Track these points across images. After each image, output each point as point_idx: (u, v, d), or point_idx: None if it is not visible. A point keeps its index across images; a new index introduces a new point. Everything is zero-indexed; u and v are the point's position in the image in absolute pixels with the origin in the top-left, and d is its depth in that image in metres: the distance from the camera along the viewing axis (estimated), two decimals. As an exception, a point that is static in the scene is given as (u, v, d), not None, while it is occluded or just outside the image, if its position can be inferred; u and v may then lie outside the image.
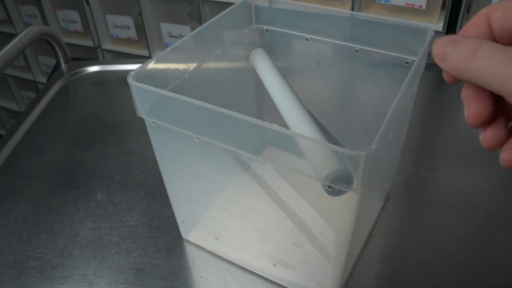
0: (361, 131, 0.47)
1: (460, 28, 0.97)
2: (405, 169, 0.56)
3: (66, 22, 1.45)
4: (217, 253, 0.46)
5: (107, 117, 0.69)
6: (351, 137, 0.42)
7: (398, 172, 0.55)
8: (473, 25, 0.25)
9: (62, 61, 0.82)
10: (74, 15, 1.42)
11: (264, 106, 0.54)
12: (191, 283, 0.44)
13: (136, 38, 1.39)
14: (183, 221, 0.47)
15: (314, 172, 0.30)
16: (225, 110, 0.30)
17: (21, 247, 0.48)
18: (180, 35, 1.31)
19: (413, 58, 0.41)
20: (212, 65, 0.45)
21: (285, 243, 0.41)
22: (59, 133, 0.66)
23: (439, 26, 0.99)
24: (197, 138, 0.35)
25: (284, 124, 0.40)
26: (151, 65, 0.37)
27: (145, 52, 1.39)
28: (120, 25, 1.38)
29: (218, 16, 0.44)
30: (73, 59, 0.84)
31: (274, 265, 0.42)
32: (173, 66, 0.40)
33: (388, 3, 1.02)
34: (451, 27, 0.98)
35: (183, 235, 0.48)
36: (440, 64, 0.25)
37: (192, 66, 0.42)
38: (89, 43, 1.45)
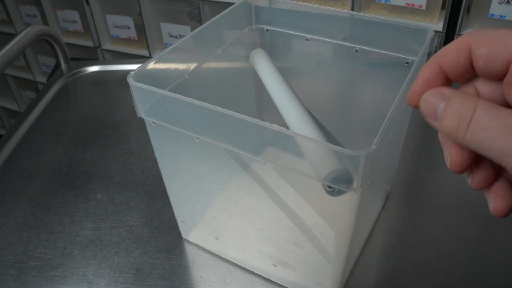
0: (361, 131, 0.47)
1: (460, 29, 0.97)
2: (405, 169, 0.56)
3: (66, 22, 1.45)
4: (217, 253, 0.46)
5: (107, 117, 0.69)
6: (351, 137, 0.42)
7: (398, 172, 0.55)
8: (453, 50, 0.23)
9: (62, 61, 0.82)
10: (74, 15, 1.42)
11: (264, 106, 0.54)
12: (191, 283, 0.44)
13: (136, 38, 1.39)
14: (183, 221, 0.47)
15: (314, 172, 0.30)
16: (225, 110, 0.30)
17: (21, 247, 0.48)
18: (180, 35, 1.31)
19: (413, 58, 0.41)
20: (212, 65, 0.45)
21: (285, 243, 0.41)
22: (59, 133, 0.66)
23: (439, 26, 0.99)
24: (197, 138, 0.35)
25: (284, 124, 0.40)
26: (151, 65, 0.37)
27: (145, 52, 1.39)
28: (120, 25, 1.38)
29: (218, 16, 0.44)
30: (73, 59, 0.84)
31: (274, 265, 0.42)
32: (173, 66, 0.40)
33: (388, 3, 1.02)
34: (451, 27, 0.98)
35: (183, 235, 0.48)
36: (432, 124, 0.23)
37: (192, 66, 0.42)
38: (89, 43, 1.45)
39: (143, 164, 0.59)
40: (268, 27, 0.48)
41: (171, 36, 1.33)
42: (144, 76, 0.36)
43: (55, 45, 0.80)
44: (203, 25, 0.42)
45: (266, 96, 0.45)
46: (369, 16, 0.42)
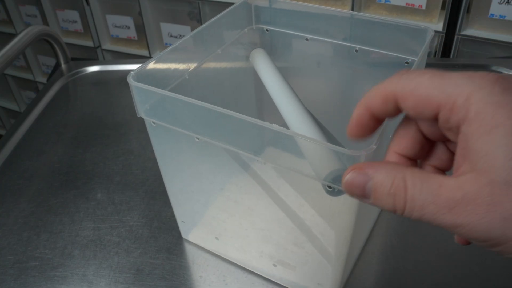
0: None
1: (460, 29, 0.97)
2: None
3: (66, 22, 1.45)
4: (217, 253, 0.46)
5: (107, 117, 0.69)
6: (351, 137, 0.42)
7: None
8: (380, 99, 0.23)
9: (62, 61, 0.82)
10: (74, 15, 1.42)
11: (264, 106, 0.54)
12: (191, 283, 0.44)
13: (136, 38, 1.39)
14: (183, 221, 0.47)
15: (314, 172, 0.30)
16: (225, 110, 0.30)
17: (21, 247, 0.48)
18: (180, 35, 1.31)
19: (413, 58, 0.41)
20: (212, 65, 0.45)
21: (285, 243, 0.41)
22: (59, 133, 0.66)
23: (439, 26, 0.99)
24: (197, 138, 0.35)
25: (284, 124, 0.40)
26: (151, 65, 0.37)
27: (145, 52, 1.39)
28: (120, 25, 1.38)
29: (218, 16, 0.44)
30: (73, 59, 0.84)
31: (274, 265, 0.42)
32: (173, 66, 0.40)
33: (388, 3, 1.02)
34: (451, 27, 0.98)
35: (183, 235, 0.48)
36: (365, 201, 0.23)
37: (192, 66, 0.42)
38: (89, 43, 1.45)
39: (143, 164, 0.59)
40: (268, 27, 0.48)
41: (171, 36, 1.33)
42: (144, 76, 0.36)
43: (55, 45, 0.80)
44: (203, 25, 0.42)
45: (266, 96, 0.45)
46: (369, 16, 0.42)
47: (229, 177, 0.42)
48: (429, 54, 1.05)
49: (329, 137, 0.39)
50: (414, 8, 1.00)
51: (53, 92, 0.76)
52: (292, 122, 0.40)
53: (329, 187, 0.30)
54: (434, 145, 0.25)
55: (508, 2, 0.91)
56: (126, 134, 0.64)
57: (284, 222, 0.39)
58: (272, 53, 0.49)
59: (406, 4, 1.00)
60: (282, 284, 0.43)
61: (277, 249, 0.42)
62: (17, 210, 0.53)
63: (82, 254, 0.47)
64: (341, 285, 0.42)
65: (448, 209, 0.19)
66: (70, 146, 0.63)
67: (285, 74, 0.45)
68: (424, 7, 0.99)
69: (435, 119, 0.21)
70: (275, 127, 0.29)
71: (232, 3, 0.46)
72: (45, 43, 0.78)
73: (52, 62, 1.57)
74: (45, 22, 1.46)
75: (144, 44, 1.37)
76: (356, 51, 0.44)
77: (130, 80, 0.34)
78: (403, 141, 0.25)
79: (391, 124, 0.30)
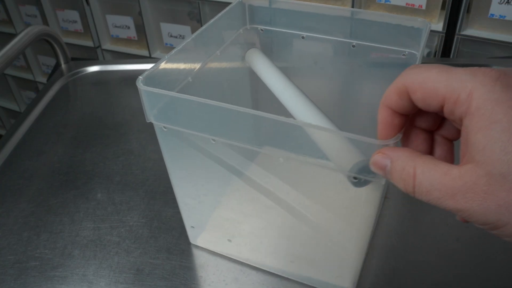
0: (361, 131, 0.47)
1: (460, 29, 0.97)
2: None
3: (66, 22, 1.45)
4: (229, 256, 0.46)
5: (107, 117, 0.69)
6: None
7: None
8: (395, 94, 0.25)
9: (62, 61, 0.82)
10: (74, 15, 1.42)
11: (259, 105, 0.54)
12: (191, 283, 0.44)
13: (136, 38, 1.39)
14: (192, 226, 0.46)
15: (336, 165, 0.30)
16: (243, 108, 0.30)
17: (21, 247, 0.48)
18: (180, 35, 1.31)
19: (410, 51, 0.41)
20: (212, 66, 0.45)
21: (304, 239, 0.41)
22: (59, 133, 0.66)
23: (439, 26, 0.99)
24: (213, 140, 0.34)
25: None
26: (161, 66, 0.36)
27: (145, 52, 1.39)
28: (120, 25, 1.38)
29: (216, 17, 0.43)
30: (73, 59, 0.84)
31: (292, 262, 0.42)
32: (177, 69, 0.39)
33: (388, 3, 1.02)
34: (451, 27, 0.98)
35: (191, 241, 0.47)
36: (385, 177, 0.25)
37: (194, 68, 0.42)
38: (89, 43, 1.45)
39: (143, 164, 0.59)
40: (263, 27, 0.48)
41: (171, 36, 1.33)
42: (151, 80, 0.35)
43: (55, 45, 0.80)
44: (203, 27, 0.41)
45: (261, 96, 0.44)
46: (366, 13, 0.42)
47: (244, 176, 0.41)
48: (429, 54, 1.05)
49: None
50: (414, 8, 1.00)
51: (53, 92, 0.76)
52: (303, 117, 0.39)
53: (355, 178, 0.30)
54: (444, 118, 0.27)
55: (508, 2, 0.91)
56: (126, 134, 0.64)
57: (303, 217, 0.39)
58: (268, 53, 0.48)
59: (406, 4, 1.00)
60: (299, 281, 0.42)
61: (294, 245, 0.41)
62: (17, 210, 0.53)
63: (82, 254, 0.47)
64: (357, 276, 0.42)
65: (450, 195, 0.22)
66: (70, 146, 0.63)
67: (283, 73, 0.45)
68: (424, 7, 0.99)
69: (441, 110, 0.23)
70: (300, 123, 0.29)
71: (231, 3, 0.46)
72: (45, 43, 0.78)
73: (52, 62, 1.57)
74: (45, 22, 1.46)
75: (144, 44, 1.37)
76: (353, 46, 0.44)
77: (140, 84, 0.33)
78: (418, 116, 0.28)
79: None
